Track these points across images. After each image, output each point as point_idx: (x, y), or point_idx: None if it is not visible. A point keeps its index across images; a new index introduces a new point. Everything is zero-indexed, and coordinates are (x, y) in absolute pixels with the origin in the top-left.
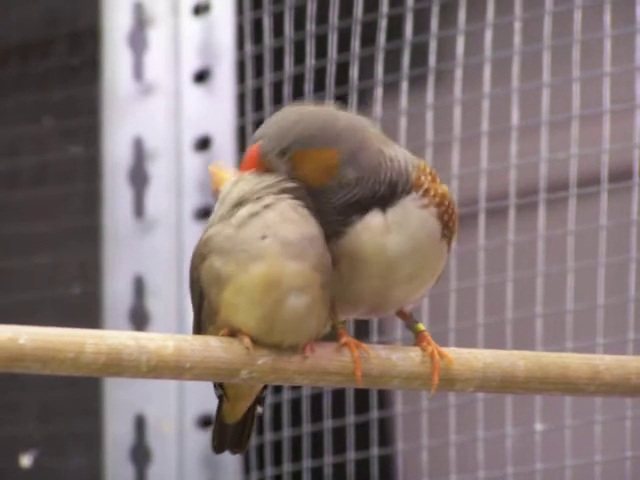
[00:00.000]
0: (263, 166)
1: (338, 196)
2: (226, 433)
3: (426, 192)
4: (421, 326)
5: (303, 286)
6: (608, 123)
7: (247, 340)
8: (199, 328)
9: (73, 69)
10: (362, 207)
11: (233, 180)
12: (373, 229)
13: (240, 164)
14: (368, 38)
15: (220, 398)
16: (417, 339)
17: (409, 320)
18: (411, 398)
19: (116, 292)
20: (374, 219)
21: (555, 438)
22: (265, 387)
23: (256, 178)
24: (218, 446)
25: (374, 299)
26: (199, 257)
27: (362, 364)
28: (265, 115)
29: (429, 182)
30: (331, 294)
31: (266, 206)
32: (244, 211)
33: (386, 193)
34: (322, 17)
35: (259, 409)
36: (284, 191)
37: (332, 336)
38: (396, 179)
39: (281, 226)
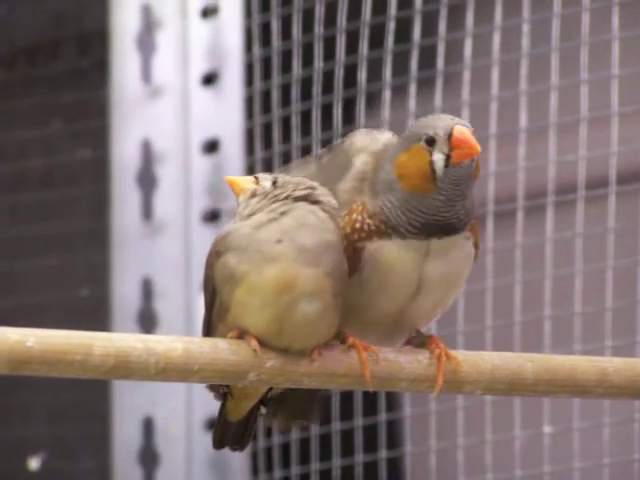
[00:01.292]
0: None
1: (460, 205)
2: (228, 430)
3: (472, 227)
4: (428, 332)
5: (315, 292)
6: (616, 125)
7: (254, 342)
8: (209, 326)
9: (81, 72)
10: (428, 230)
11: (253, 187)
12: (412, 250)
13: (459, 143)
14: (376, 41)
15: (224, 396)
16: (427, 342)
17: (415, 337)
18: (419, 400)
19: (124, 294)
20: (417, 241)
21: (563, 440)
22: (271, 388)
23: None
24: (218, 442)
25: (395, 320)
26: (215, 254)
27: (370, 366)
28: (273, 118)
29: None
30: (344, 302)
31: (284, 212)
32: (263, 215)
33: (456, 227)
34: (330, 20)
35: (262, 409)
36: (305, 197)
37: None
38: (468, 220)
39: (297, 231)
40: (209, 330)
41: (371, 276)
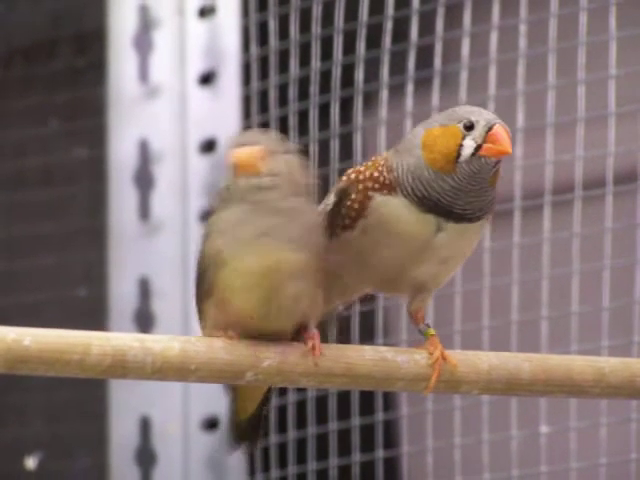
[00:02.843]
0: None
1: (467, 199)
2: (241, 428)
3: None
4: (432, 331)
5: (299, 273)
6: (613, 125)
7: (230, 333)
8: (200, 302)
9: (78, 71)
10: (439, 210)
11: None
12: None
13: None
14: (373, 40)
15: (232, 394)
16: (426, 342)
17: (422, 325)
18: (416, 400)
19: (121, 294)
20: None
21: (560, 440)
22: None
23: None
24: (235, 441)
25: (397, 272)
26: (206, 234)
27: (365, 365)
28: (270, 117)
29: None
30: (325, 277)
31: (270, 194)
32: (250, 196)
33: (470, 217)
34: (327, 19)
35: (264, 410)
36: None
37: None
38: (488, 209)
39: (281, 215)
40: (200, 306)
41: (375, 224)
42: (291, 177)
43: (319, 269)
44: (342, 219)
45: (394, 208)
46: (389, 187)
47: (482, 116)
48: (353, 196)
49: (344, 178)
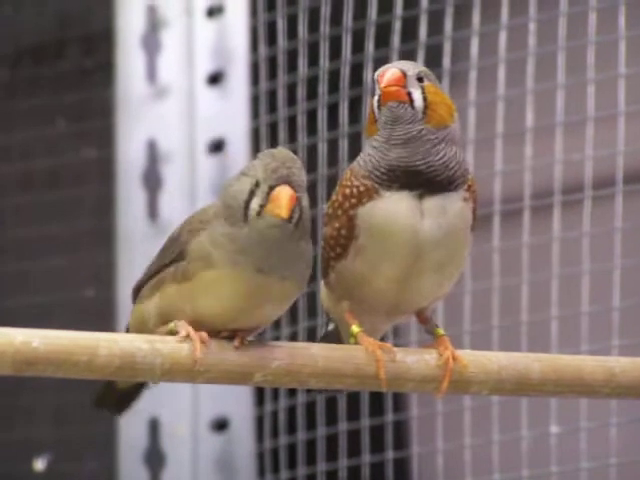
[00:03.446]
0: (403, 84)
1: (418, 150)
2: (113, 395)
3: (469, 187)
4: (441, 330)
5: (282, 301)
6: (623, 125)
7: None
8: (154, 276)
9: (87, 71)
10: (411, 180)
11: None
12: (405, 207)
13: (381, 82)
14: (382, 40)
15: None
16: (436, 342)
17: (429, 325)
18: (426, 401)
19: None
20: (408, 199)
21: (570, 441)
22: None
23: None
24: (97, 402)
25: (396, 292)
26: (197, 226)
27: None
28: (279, 117)
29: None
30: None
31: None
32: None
33: (444, 182)
34: (336, 19)
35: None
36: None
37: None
38: (460, 174)
39: (273, 243)
40: (151, 279)
41: (367, 241)
42: (305, 221)
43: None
44: (333, 250)
45: (382, 208)
46: (367, 192)
47: (378, 72)
48: (337, 224)
49: (325, 218)
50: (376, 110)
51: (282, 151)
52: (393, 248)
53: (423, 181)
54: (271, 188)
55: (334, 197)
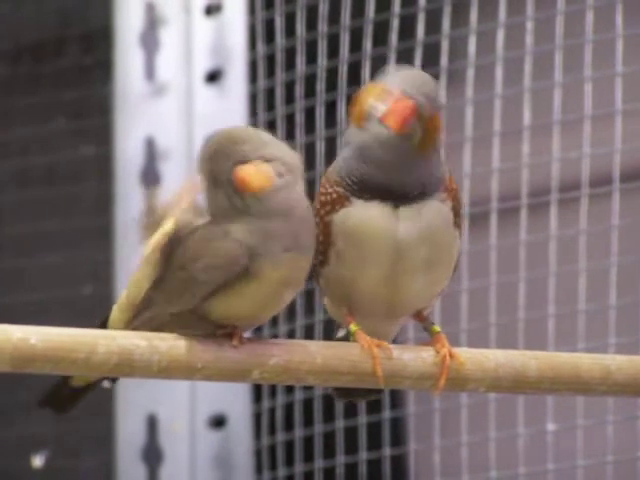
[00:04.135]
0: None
1: (396, 170)
2: (61, 392)
3: (446, 187)
4: (437, 328)
5: (302, 280)
6: (620, 123)
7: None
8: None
9: (85, 69)
10: (384, 195)
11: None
12: (378, 213)
13: (387, 116)
14: (380, 38)
15: None
16: (433, 340)
17: (426, 322)
18: (423, 398)
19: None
20: (382, 206)
21: (567, 438)
22: None
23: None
24: (44, 401)
25: (388, 294)
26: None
27: (371, 363)
28: (277, 115)
29: (452, 181)
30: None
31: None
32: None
33: (417, 195)
34: (334, 17)
35: (106, 383)
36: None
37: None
38: (435, 181)
39: (299, 223)
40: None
41: (344, 246)
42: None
43: None
44: (316, 257)
45: (355, 215)
46: (339, 199)
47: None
48: (317, 231)
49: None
50: (373, 119)
51: None
52: (370, 251)
53: (396, 196)
54: None
55: (315, 203)
